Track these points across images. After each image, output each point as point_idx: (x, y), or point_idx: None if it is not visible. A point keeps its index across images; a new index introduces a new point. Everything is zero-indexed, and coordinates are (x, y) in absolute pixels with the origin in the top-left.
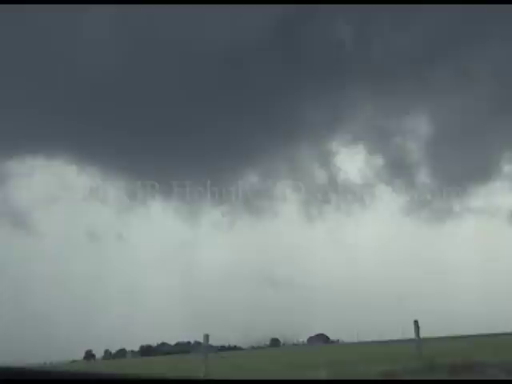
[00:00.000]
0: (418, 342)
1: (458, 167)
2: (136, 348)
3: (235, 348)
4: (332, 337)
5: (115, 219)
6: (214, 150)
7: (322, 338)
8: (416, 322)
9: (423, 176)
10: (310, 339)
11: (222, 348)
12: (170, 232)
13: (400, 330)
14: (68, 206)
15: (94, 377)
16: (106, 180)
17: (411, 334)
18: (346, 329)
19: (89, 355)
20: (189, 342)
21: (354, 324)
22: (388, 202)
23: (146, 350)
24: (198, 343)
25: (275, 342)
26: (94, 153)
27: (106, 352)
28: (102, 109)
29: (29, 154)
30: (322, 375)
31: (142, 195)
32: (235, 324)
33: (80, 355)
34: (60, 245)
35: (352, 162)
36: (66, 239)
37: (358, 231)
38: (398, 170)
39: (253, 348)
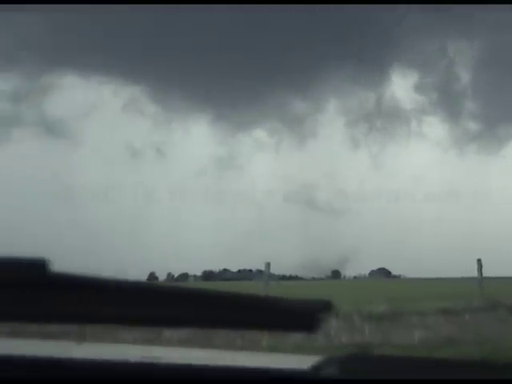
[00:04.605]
0: (480, 280)
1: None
2: (198, 273)
3: (296, 278)
4: (394, 271)
5: (154, 134)
6: (264, 70)
7: (383, 272)
8: (479, 261)
9: (473, 105)
10: (372, 273)
11: (283, 277)
12: (212, 149)
13: (463, 267)
14: (106, 120)
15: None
16: (143, 95)
17: (474, 273)
18: (408, 264)
19: (152, 277)
20: (251, 270)
21: (417, 259)
22: (438, 131)
23: (208, 276)
24: (259, 271)
25: (336, 274)
26: (133, 70)
27: (169, 275)
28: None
29: (66, 70)
30: (382, 309)
31: (183, 110)
32: (296, 254)
33: (143, 277)
34: (100, 157)
35: (402, 86)
36: (106, 152)
37: (407, 158)
38: (448, 97)
39: (314, 279)
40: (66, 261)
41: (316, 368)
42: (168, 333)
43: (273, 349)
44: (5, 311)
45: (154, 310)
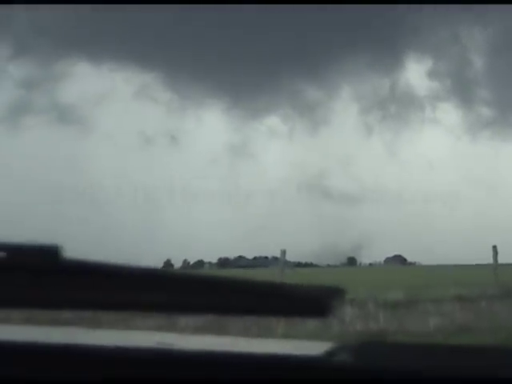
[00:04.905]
0: (495, 267)
1: None
2: (214, 260)
3: (312, 265)
4: (409, 259)
5: (167, 121)
6: (277, 56)
7: (398, 260)
8: (494, 248)
9: (487, 91)
10: (387, 260)
11: (299, 264)
12: (226, 136)
13: (478, 254)
14: (119, 107)
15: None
16: (156, 81)
17: (489, 260)
18: (423, 251)
19: (167, 265)
20: (266, 257)
21: (432, 247)
22: (451, 117)
23: (224, 263)
24: (275, 258)
25: (352, 261)
26: (146, 57)
27: (185, 262)
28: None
29: (78, 57)
30: (397, 296)
31: (196, 97)
32: (312, 241)
33: (159, 265)
34: (113, 144)
35: (415, 72)
36: (119, 139)
37: (420, 145)
38: (461, 83)
39: (329, 266)
40: (79, 249)
41: (329, 354)
42: (183, 320)
43: (288, 336)
44: (18, 297)
45: (168, 296)
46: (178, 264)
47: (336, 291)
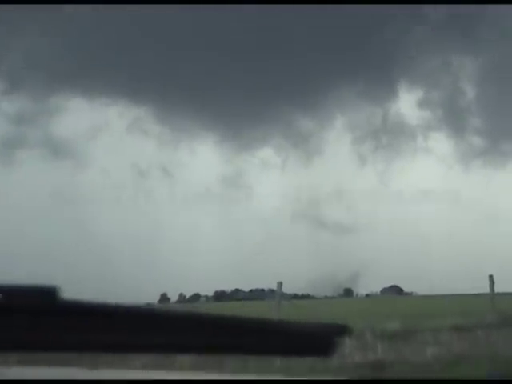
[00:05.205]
0: (492, 296)
1: None
2: (210, 293)
3: (308, 296)
4: (406, 289)
5: (160, 154)
6: (269, 87)
7: (395, 290)
8: (491, 277)
9: (478, 120)
10: (383, 290)
11: (295, 296)
12: (219, 169)
13: (474, 284)
14: (112, 141)
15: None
16: (148, 115)
17: (486, 289)
18: (420, 281)
19: (164, 298)
20: (263, 290)
21: (428, 277)
22: (444, 147)
23: (220, 296)
24: (271, 291)
25: (348, 292)
26: (137, 90)
27: (181, 296)
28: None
29: (71, 92)
30: (395, 327)
31: (189, 130)
32: (308, 272)
33: (155, 298)
34: (107, 178)
35: (407, 102)
36: (113, 173)
37: (413, 175)
38: (453, 113)
39: (326, 297)
40: (75, 284)
41: None
42: (181, 358)
43: (286, 369)
44: (16, 339)
45: (165, 336)
46: (174, 297)
47: (339, 329)
